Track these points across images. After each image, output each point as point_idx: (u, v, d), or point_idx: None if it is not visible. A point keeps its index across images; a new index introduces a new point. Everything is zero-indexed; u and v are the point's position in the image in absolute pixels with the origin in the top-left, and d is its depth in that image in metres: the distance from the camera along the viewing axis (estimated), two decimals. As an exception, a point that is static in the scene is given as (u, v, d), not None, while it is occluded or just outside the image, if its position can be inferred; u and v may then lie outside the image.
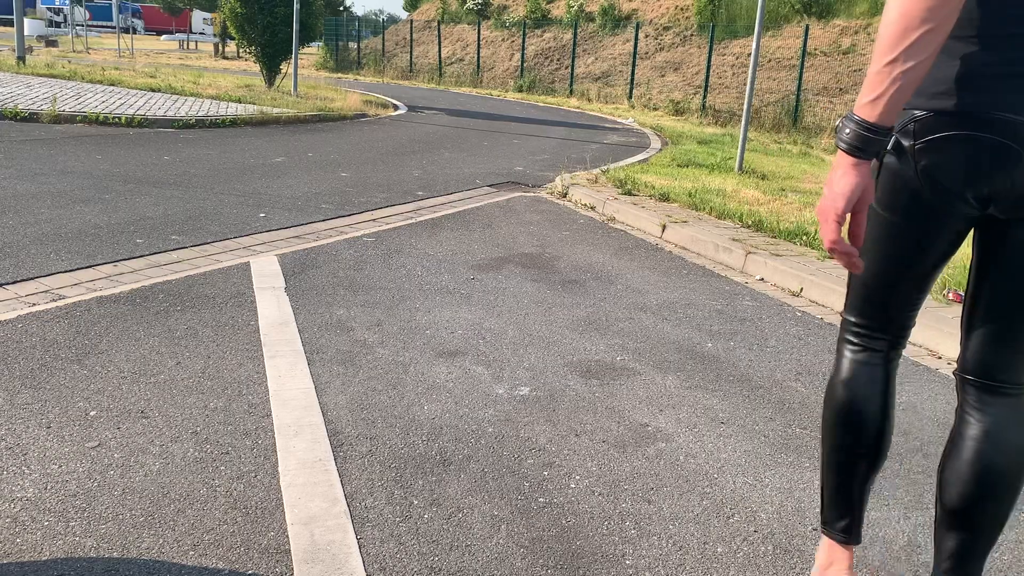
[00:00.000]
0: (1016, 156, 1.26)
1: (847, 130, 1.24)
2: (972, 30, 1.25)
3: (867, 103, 1.22)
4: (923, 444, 2.59)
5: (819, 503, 1.74)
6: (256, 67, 15.91)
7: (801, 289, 4.24)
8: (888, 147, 1.35)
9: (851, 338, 1.59)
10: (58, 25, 40.41)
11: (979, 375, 1.46)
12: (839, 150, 1.26)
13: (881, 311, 1.53)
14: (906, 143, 1.34)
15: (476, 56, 25.98)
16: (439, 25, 28.15)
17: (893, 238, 1.43)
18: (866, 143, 1.23)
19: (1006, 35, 1.24)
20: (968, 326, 1.48)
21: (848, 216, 1.28)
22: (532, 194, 6.85)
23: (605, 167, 8.02)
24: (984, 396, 1.46)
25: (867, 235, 1.40)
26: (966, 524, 1.46)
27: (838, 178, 1.26)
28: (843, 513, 1.63)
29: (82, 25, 33.25)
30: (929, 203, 1.37)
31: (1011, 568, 1.96)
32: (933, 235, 1.41)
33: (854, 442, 1.58)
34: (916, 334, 3.56)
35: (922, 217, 1.39)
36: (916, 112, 1.32)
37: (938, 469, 1.52)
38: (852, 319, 1.59)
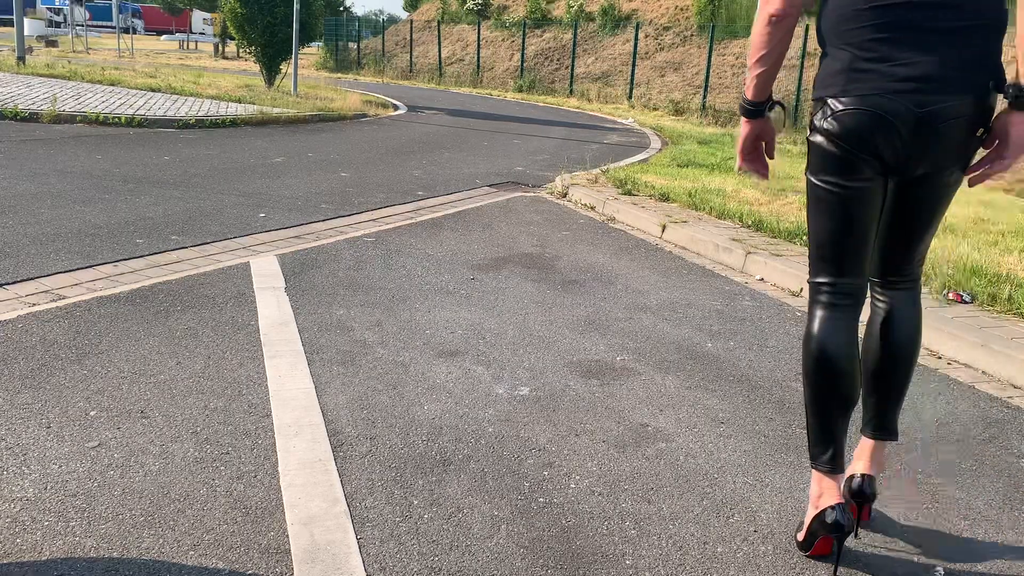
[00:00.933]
0: (890, 126, 1.72)
1: (740, 104, 1.97)
2: (846, 40, 1.76)
3: (746, 88, 1.92)
4: (923, 444, 2.59)
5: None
6: (256, 67, 15.91)
7: (801, 289, 4.24)
8: (819, 133, 1.83)
9: (819, 298, 1.94)
10: (58, 25, 40.41)
11: (882, 276, 2.01)
12: (741, 115, 1.98)
13: (837, 268, 1.90)
14: (825, 124, 1.80)
15: (476, 56, 25.98)
16: (439, 25, 28.15)
17: (832, 201, 1.86)
18: (747, 111, 1.95)
19: (854, 39, 1.74)
20: (878, 248, 1.97)
21: (760, 146, 1.99)
22: (532, 194, 6.85)
23: (605, 167, 8.02)
24: (886, 290, 2.01)
25: (813, 207, 1.91)
26: (881, 383, 1.97)
27: (741, 129, 1.99)
28: (827, 447, 1.91)
29: (82, 25, 33.26)
30: (847, 165, 1.81)
31: (1011, 568, 1.96)
32: (858, 193, 1.83)
33: (829, 385, 1.90)
34: (916, 334, 3.57)
35: (847, 177, 1.82)
36: (828, 99, 1.79)
37: (861, 350, 1.96)
38: (817, 281, 1.95)
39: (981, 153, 1.80)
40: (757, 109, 1.93)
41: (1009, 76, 1.70)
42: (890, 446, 2.14)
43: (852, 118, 1.75)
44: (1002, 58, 1.74)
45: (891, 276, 1.99)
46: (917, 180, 1.82)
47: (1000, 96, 1.72)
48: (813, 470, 1.93)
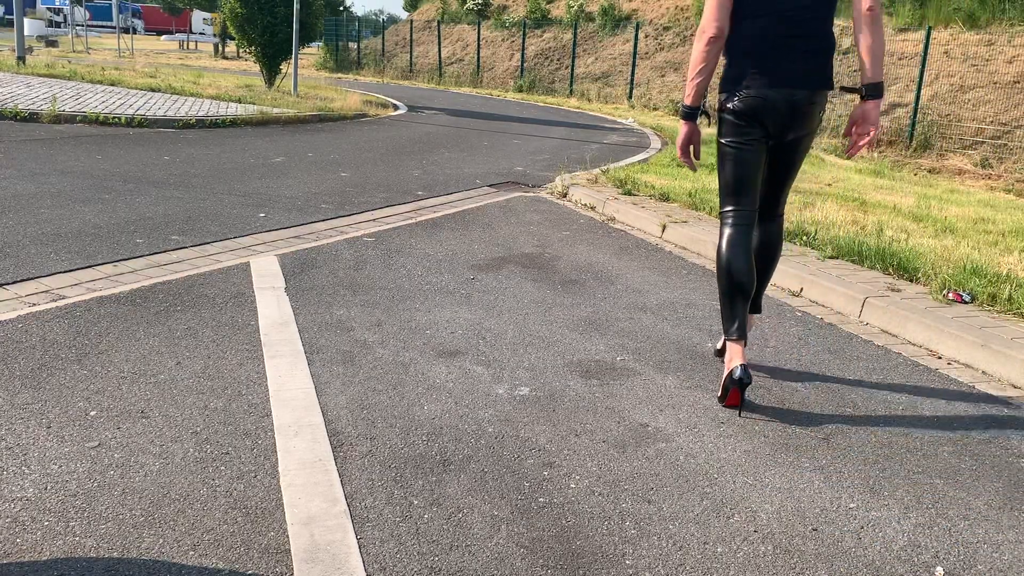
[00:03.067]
0: (772, 107, 2.70)
1: (680, 108, 2.82)
2: (747, 56, 2.71)
3: (685, 96, 2.78)
4: (923, 444, 2.59)
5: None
6: (256, 67, 15.91)
7: (801, 289, 4.24)
8: (727, 112, 2.78)
9: (726, 220, 2.86)
10: (58, 25, 40.40)
11: (763, 211, 2.93)
12: (680, 118, 2.83)
13: (738, 199, 2.84)
14: (733, 106, 2.75)
15: (476, 56, 25.98)
16: (439, 25, 28.15)
17: (736, 156, 2.82)
18: (686, 115, 2.81)
19: (749, 56, 2.71)
20: (760, 195, 2.89)
21: (691, 147, 2.88)
22: (532, 194, 6.85)
23: (605, 167, 8.02)
24: (764, 221, 2.96)
25: (721, 160, 2.85)
26: (757, 279, 2.87)
27: (680, 131, 2.85)
28: (734, 322, 2.77)
29: (82, 25, 33.26)
30: (746, 134, 2.77)
31: (1011, 568, 1.96)
32: (752, 152, 2.80)
33: (735, 281, 2.79)
34: (916, 334, 3.57)
35: (745, 142, 2.79)
36: (736, 90, 2.74)
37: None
38: (725, 209, 2.88)
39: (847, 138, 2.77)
40: (694, 112, 2.80)
41: (860, 79, 2.67)
42: (893, 447, 2.17)
43: (751, 102, 2.71)
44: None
45: (768, 212, 2.96)
46: (787, 143, 2.81)
47: (829, 92, 2.75)
48: (727, 341, 2.76)
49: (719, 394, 2.81)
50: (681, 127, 2.84)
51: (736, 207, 2.83)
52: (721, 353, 3.03)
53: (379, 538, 1.90)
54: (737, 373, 2.67)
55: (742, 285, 2.77)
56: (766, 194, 2.92)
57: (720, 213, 2.89)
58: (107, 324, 3.12)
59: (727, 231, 2.83)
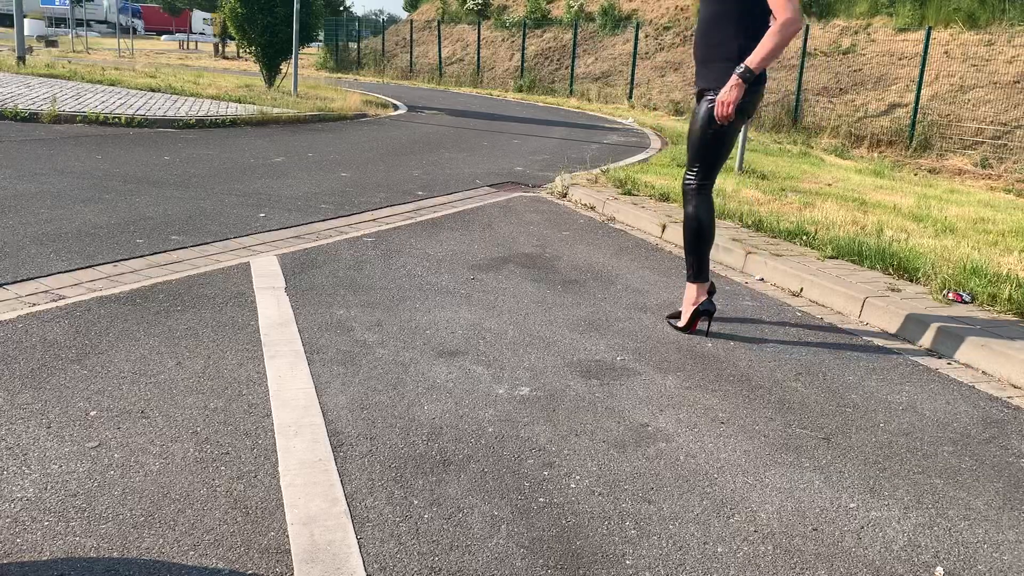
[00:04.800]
0: (761, 98, 3.30)
1: (746, 72, 3.08)
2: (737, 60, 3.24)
3: (755, 65, 3.07)
4: (923, 444, 2.59)
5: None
6: (256, 67, 15.91)
7: (801, 289, 4.24)
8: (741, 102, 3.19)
9: (701, 188, 3.40)
10: (58, 25, 40.38)
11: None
12: (739, 78, 3.09)
13: (715, 174, 3.42)
14: (748, 97, 3.16)
15: (476, 56, 25.98)
16: (439, 25, 28.16)
17: (730, 141, 3.34)
18: (752, 78, 3.11)
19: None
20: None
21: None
22: (532, 194, 6.85)
23: (605, 167, 8.02)
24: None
25: (723, 142, 3.32)
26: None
27: (735, 89, 3.11)
28: (704, 269, 3.43)
29: (82, 25, 33.25)
30: (741, 121, 3.26)
31: (1011, 568, 1.96)
32: (735, 135, 3.36)
33: (707, 237, 3.43)
34: (916, 334, 3.57)
35: (738, 128, 3.32)
36: (752, 85, 3.15)
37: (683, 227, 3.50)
38: (703, 182, 3.41)
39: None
40: (757, 78, 3.12)
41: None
42: (893, 448, 2.13)
43: (760, 95, 3.26)
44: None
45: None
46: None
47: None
48: (695, 284, 3.43)
49: (681, 323, 3.50)
50: (739, 88, 3.10)
51: (711, 180, 3.42)
52: (688, 327, 3.50)
53: (379, 538, 1.90)
54: (706, 305, 3.43)
55: (711, 238, 3.49)
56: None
57: (697, 185, 3.41)
58: (107, 324, 3.12)
59: (704, 198, 3.42)
